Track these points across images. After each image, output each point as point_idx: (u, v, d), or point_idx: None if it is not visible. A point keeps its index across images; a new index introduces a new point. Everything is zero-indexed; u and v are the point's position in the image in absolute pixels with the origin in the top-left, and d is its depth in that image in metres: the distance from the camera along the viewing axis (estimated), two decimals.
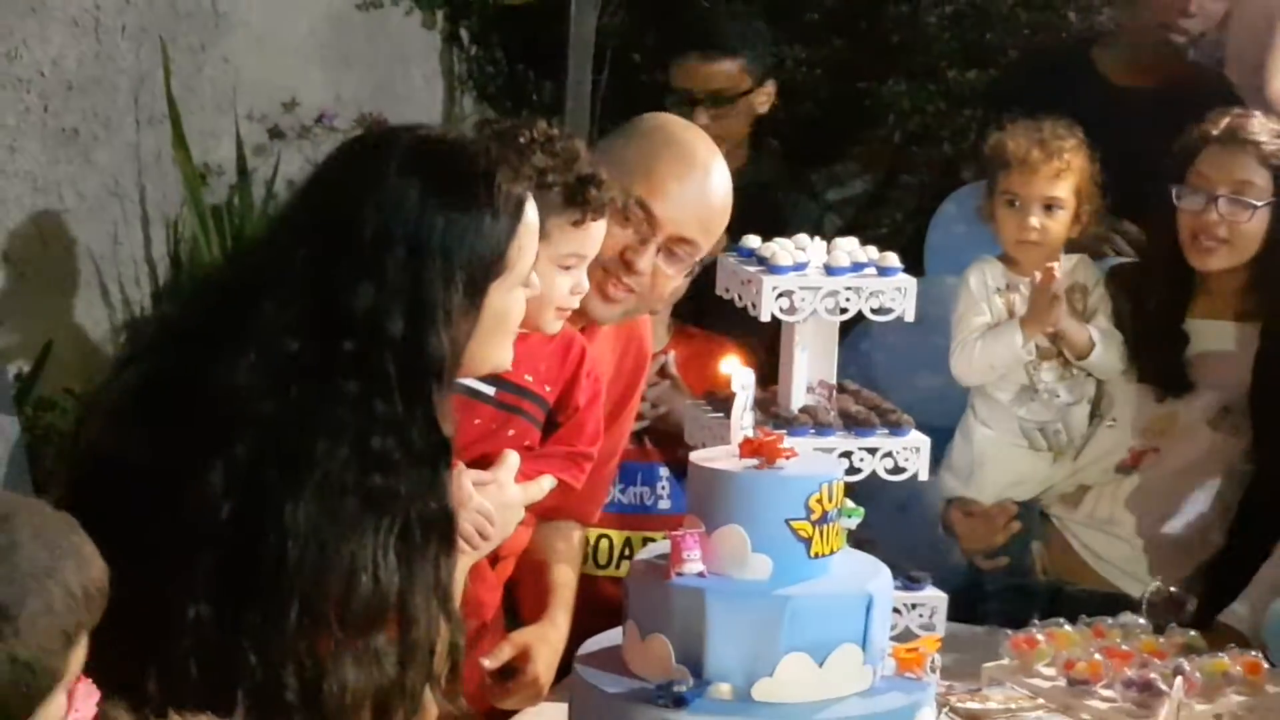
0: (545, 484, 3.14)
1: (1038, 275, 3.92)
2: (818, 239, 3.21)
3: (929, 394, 4.07)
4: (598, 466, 3.39)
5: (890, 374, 4.32)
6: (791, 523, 2.77)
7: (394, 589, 2.50)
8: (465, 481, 2.90)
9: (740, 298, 3.18)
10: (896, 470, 3.14)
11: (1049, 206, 3.98)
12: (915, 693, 2.83)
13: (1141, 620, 3.50)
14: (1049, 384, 4.03)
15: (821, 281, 3.12)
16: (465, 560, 2.88)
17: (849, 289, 3.13)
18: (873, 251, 3.19)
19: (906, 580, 3.13)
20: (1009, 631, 3.45)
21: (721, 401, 3.09)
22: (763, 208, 4.17)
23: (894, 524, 3.69)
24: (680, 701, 2.71)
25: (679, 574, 2.77)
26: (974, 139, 5.02)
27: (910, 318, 3.16)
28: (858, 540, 2.95)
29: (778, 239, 3.17)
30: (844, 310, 3.14)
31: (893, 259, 3.17)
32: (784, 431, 2.92)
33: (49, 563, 2.09)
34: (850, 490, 2.89)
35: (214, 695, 2.43)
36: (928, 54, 6.07)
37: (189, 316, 2.69)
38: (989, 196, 4.07)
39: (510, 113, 6.07)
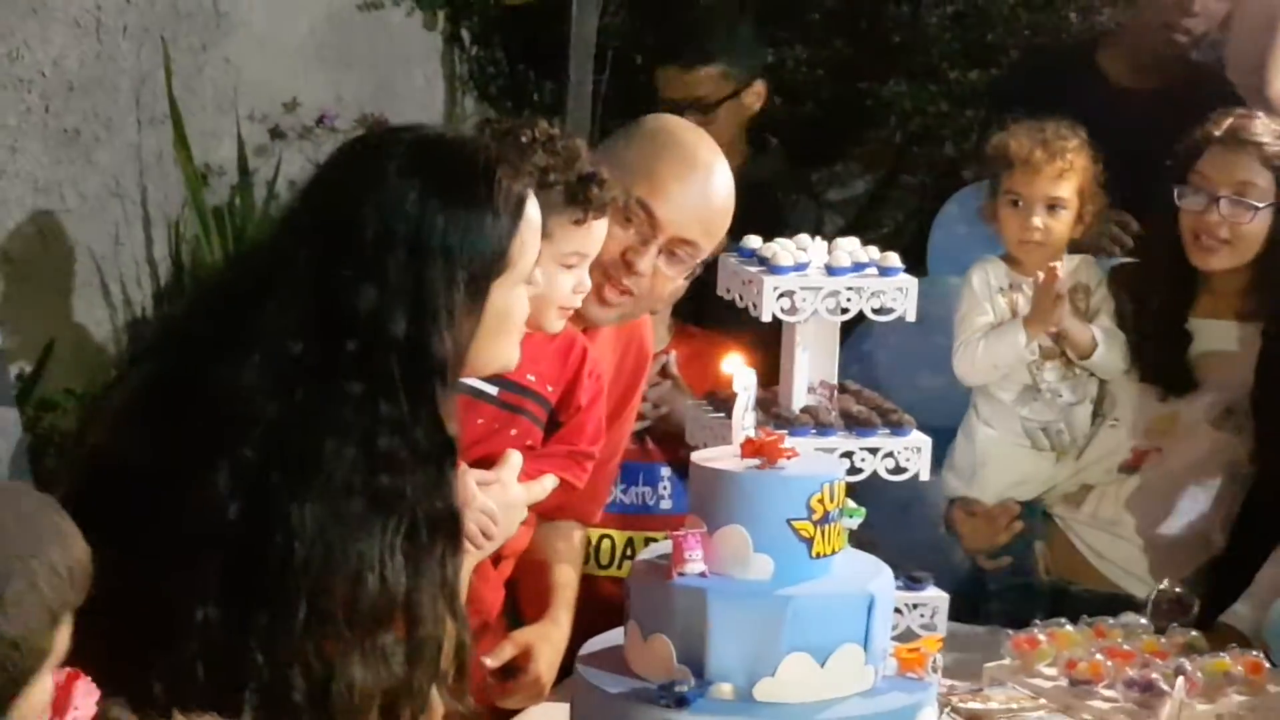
0: (547, 483, 3.14)
1: (1040, 275, 3.91)
2: (819, 239, 3.20)
3: (931, 394, 4.07)
4: (599, 466, 3.40)
5: (892, 374, 4.32)
6: (793, 523, 2.77)
7: (401, 589, 2.50)
8: (469, 481, 2.90)
9: (741, 298, 3.18)
10: (898, 470, 3.13)
11: (1052, 206, 3.98)
12: (917, 693, 2.83)
13: (1143, 620, 3.50)
14: (1052, 384, 4.03)
15: (823, 282, 3.12)
16: (469, 560, 2.88)
17: (850, 289, 3.13)
18: (874, 251, 3.19)
19: (908, 580, 3.12)
20: (1010, 631, 3.46)
21: (723, 401, 3.08)
22: (764, 208, 4.16)
23: (896, 524, 3.68)
24: (682, 701, 2.71)
25: (681, 574, 2.77)
26: (976, 139, 5.02)
27: (912, 318, 3.16)
28: (859, 540, 2.95)
29: (779, 239, 3.17)
30: (845, 310, 3.14)
31: (894, 259, 3.16)
32: (785, 431, 2.92)
33: (32, 543, 2.10)
34: (852, 490, 2.89)
35: (221, 696, 2.43)
36: (929, 54, 6.06)
37: (192, 319, 2.69)
38: (991, 197, 4.07)
39: (511, 113, 6.06)
